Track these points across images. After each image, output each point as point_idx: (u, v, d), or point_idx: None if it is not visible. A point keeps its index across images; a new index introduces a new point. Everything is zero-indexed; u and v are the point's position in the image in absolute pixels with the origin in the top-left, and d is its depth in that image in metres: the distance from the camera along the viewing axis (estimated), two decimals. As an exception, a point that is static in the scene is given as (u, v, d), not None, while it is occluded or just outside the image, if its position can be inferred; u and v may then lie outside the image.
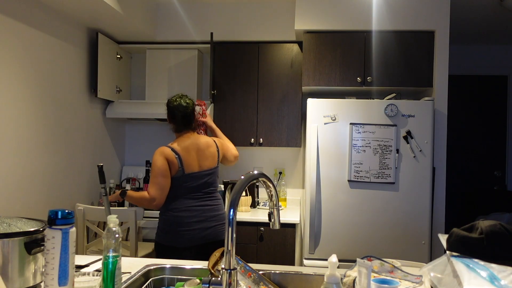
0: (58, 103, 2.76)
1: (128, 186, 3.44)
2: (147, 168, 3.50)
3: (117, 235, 1.16)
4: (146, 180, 3.45)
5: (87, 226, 2.70)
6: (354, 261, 1.43)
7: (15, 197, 2.37)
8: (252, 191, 3.36)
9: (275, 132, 3.30)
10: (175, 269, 1.60)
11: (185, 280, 1.49)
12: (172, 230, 2.37)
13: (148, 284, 1.53)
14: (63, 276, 1.13)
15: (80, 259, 1.71)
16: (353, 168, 2.74)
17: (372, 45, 3.00)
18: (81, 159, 3.05)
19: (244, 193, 3.23)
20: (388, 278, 1.27)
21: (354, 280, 1.33)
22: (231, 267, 1.05)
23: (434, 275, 1.31)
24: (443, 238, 1.40)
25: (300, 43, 3.28)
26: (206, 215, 2.41)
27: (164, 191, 2.33)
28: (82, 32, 3.04)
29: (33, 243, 1.28)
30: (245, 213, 3.10)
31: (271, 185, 1.24)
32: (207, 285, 1.06)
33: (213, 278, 1.08)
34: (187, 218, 2.37)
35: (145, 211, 2.71)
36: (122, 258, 1.56)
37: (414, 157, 2.71)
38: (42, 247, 1.28)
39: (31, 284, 1.28)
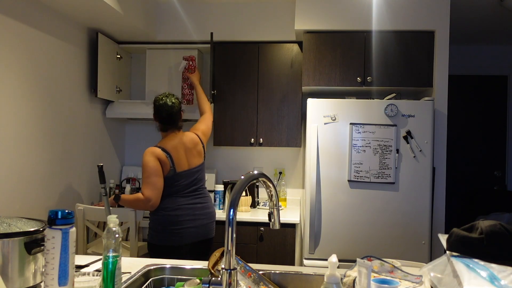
0: (58, 103, 2.76)
1: (128, 186, 3.44)
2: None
3: (117, 235, 1.16)
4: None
5: (87, 226, 2.70)
6: (354, 261, 1.43)
7: (15, 197, 2.37)
8: (252, 191, 3.36)
9: (275, 132, 3.30)
10: (175, 269, 1.60)
11: (185, 280, 1.49)
12: (164, 229, 2.39)
13: (148, 284, 1.53)
14: (63, 276, 1.13)
15: (80, 259, 1.71)
16: (353, 168, 2.74)
17: (372, 45, 3.00)
18: (81, 159, 3.05)
19: (244, 193, 3.23)
20: (388, 278, 1.27)
21: (354, 280, 1.33)
22: (231, 267, 1.05)
23: (434, 275, 1.31)
24: (443, 238, 1.40)
25: (300, 43, 3.28)
26: (197, 213, 2.47)
27: (159, 190, 2.34)
28: (82, 32, 3.04)
29: (33, 243, 1.28)
30: (245, 213, 3.10)
31: (271, 185, 1.24)
32: (207, 285, 1.06)
33: (213, 278, 1.08)
34: (179, 216, 2.40)
35: (145, 211, 2.72)
36: (122, 258, 1.56)
37: (414, 157, 2.71)
38: (42, 247, 1.28)
39: (31, 284, 1.28)
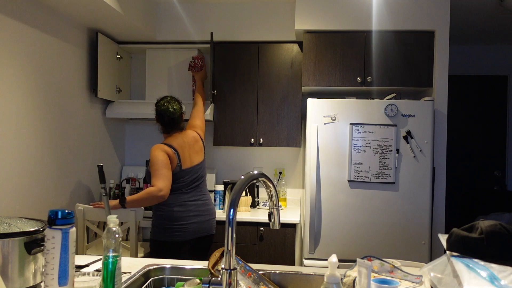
0: (58, 103, 2.76)
1: (128, 186, 3.44)
2: (147, 168, 3.49)
3: (117, 235, 1.16)
4: (146, 180, 3.45)
5: (87, 226, 2.70)
6: (354, 261, 1.43)
7: (15, 197, 2.37)
8: (252, 191, 3.36)
9: (275, 132, 3.30)
10: (175, 269, 1.60)
11: (185, 280, 1.49)
12: (168, 225, 2.46)
13: (148, 284, 1.53)
14: (63, 276, 1.13)
15: (80, 259, 1.71)
16: (353, 168, 2.74)
17: (372, 45, 3.00)
18: (81, 159, 3.05)
19: (244, 193, 3.23)
20: (388, 278, 1.27)
21: (354, 280, 1.33)
22: (231, 267, 1.05)
23: (434, 275, 1.31)
24: (443, 238, 1.40)
25: (300, 43, 3.28)
26: (200, 209, 2.55)
27: (169, 182, 2.41)
28: (82, 32, 3.04)
29: (33, 243, 1.28)
30: (245, 213, 3.10)
31: (271, 185, 1.24)
32: (207, 285, 1.06)
33: (213, 278, 1.08)
34: (183, 212, 2.47)
35: (145, 211, 2.72)
36: (122, 258, 1.56)
37: (414, 157, 2.71)
38: (42, 247, 1.28)
39: (31, 284, 1.28)
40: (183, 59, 3.44)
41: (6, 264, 1.23)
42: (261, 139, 3.30)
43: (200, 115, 2.88)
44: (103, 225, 2.98)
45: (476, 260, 1.24)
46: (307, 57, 3.05)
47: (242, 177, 1.14)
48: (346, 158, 2.75)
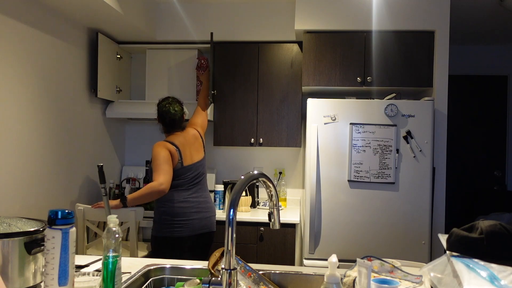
0: (58, 103, 2.76)
1: (127, 186, 3.44)
2: (147, 168, 3.49)
3: (117, 235, 1.16)
4: (146, 180, 3.45)
5: (87, 226, 2.70)
6: (354, 261, 1.43)
7: (15, 197, 2.37)
8: (252, 191, 3.36)
9: (275, 132, 3.30)
10: (175, 269, 1.60)
11: (185, 280, 1.49)
12: (170, 221, 2.50)
13: (148, 284, 1.53)
14: (63, 276, 1.13)
15: (80, 259, 1.71)
16: (353, 168, 2.74)
17: (372, 45, 3.00)
18: (81, 159, 3.05)
19: (244, 193, 3.23)
20: (388, 278, 1.27)
21: (354, 280, 1.33)
22: (231, 267, 1.05)
23: (434, 275, 1.31)
24: (443, 238, 1.40)
25: (300, 43, 3.28)
26: (202, 206, 2.60)
27: (170, 176, 2.46)
28: (82, 32, 3.04)
29: (33, 243, 1.28)
30: (245, 213, 3.10)
31: (271, 185, 1.24)
32: (207, 285, 1.06)
33: (213, 278, 1.08)
34: (185, 208, 2.52)
35: (145, 211, 2.72)
36: (122, 258, 1.56)
37: (414, 157, 2.71)
38: (42, 247, 1.28)
39: (31, 284, 1.28)
40: (183, 59, 3.44)
41: (6, 264, 1.23)
42: (261, 139, 3.30)
43: (202, 114, 2.94)
44: (103, 225, 2.98)
45: (476, 260, 1.24)
46: (307, 57, 3.05)
47: (242, 177, 1.14)
48: (346, 158, 2.75)
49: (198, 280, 1.40)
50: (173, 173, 2.50)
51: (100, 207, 2.54)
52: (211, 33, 3.21)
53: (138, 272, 1.53)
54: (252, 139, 3.31)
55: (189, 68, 3.44)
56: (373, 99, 2.88)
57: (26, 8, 2.43)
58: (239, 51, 3.33)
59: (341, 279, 1.17)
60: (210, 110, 3.26)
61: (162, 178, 2.41)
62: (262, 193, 3.58)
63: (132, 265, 1.62)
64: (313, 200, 2.73)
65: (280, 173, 3.57)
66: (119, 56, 3.46)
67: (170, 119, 2.60)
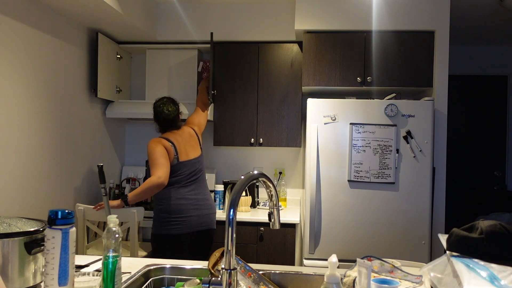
0: (58, 103, 2.76)
1: (128, 186, 3.44)
2: (147, 168, 3.49)
3: (117, 235, 1.16)
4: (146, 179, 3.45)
5: (87, 226, 2.70)
6: (354, 261, 1.43)
7: (15, 197, 2.37)
8: (252, 191, 3.36)
9: (275, 132, 3.30)
10: (175, 269, 1.60)
11: (185, 280, 1.49)
12: (167, 218, 2.51)
13: (148, 284, 1.53)
14: (63, 276, 1.13)
15: (80, 259, 1.71)
16: (353, 168, 2.74)
17: (372, 45, 3.00)
18: (81, 159, 3.05)
19: (244, 193, 3.23)
20: (388, 278, 1.27)
21: (354, 280, 1.33)
22: (231, 267, 1.05)
23: (434, 275, 1.31)
24: (443, 238, 1.40)
25: (300, 43, 3.28)
26: (201, 203, 2.61)
27: (168, 169, 2.49)
28: (82, 32, 3.04)
29: (33, 243, 1.28)
30: (245, 213, 3.10)
31: (271, 185, 1.24)
32: (207, 285, 1.06)
33: (213, 278, 1.08)
34: (183, 205, 2.53)
35: (145, 211, 2.72)
36: (122, 258, 1.56)
37: (414, 157, 2.71)
38: (42, 247, 1.28)
39: (31, 284, 1.28)
40: (183, 59, 3.44)
41: (6, 264, 1.23)
42: (261, 139, 3.30)
43: (199, 113, 2.98)
44: (103, 225, 2.98)
45: (476, 260, 1.24)
46: (307, 57, 3.05)
47: (242, 177, 1.14)
48: (346, 158, 2.75)
49: (198, 280, 1.40)
50: (170, 168, 2.52)
51: (102, 208, 2.55)
52: (211, 33, 3.21)
53: (138, 272, 1.53)
54: (252, 139, 3.31)
55: (189, 68, 3.44)
56: (373, 99, 2.88)
57: (26, 8, 2.43)
58: (239, 51, 3.33)
59: (341, 279, 1.17)
60: (210, 110, 3.26)
61: (160, 171, 2.44)
62: (262, 193, 3.58)
63: (132, 265, 1.62)
64: (313, 200, 2.73)
65: (280, 173, 3.57)
66: (119, 56, 3.46)
67: (164, 119, 2.65)
